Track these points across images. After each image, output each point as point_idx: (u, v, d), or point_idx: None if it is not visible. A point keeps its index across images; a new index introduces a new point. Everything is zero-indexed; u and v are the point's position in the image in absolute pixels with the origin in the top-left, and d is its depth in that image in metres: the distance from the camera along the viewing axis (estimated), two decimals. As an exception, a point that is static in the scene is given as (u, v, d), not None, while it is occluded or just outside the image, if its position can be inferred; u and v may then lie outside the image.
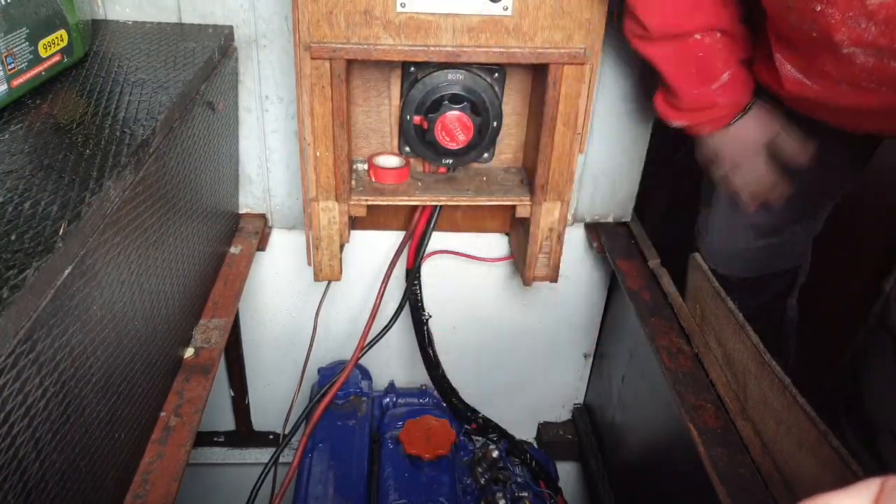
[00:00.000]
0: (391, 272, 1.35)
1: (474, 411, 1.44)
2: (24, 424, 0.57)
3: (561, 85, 1.02)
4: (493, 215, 1.34)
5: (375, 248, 1.40)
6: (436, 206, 1.23)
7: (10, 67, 0.78)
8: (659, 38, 0.96)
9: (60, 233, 0.59)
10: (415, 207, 1.26)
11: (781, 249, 1.24)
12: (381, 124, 1.17)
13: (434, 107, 1.07)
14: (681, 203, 1.50)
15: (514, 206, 1.16)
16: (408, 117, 1.09)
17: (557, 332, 1.56)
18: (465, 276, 1.45)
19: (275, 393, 1.55)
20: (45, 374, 0.59)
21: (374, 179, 1.16)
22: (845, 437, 0.98)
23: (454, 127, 1.06)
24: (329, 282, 1.38)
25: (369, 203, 1.13)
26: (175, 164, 0.89)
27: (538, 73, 1.09)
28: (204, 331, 1.06)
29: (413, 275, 1.33)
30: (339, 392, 1.35)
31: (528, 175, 1.17)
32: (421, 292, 1.36)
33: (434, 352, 1.40)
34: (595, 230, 1.39)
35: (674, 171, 1.62)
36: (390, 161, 1.17)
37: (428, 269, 1.39)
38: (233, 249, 1.25)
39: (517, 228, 1.29)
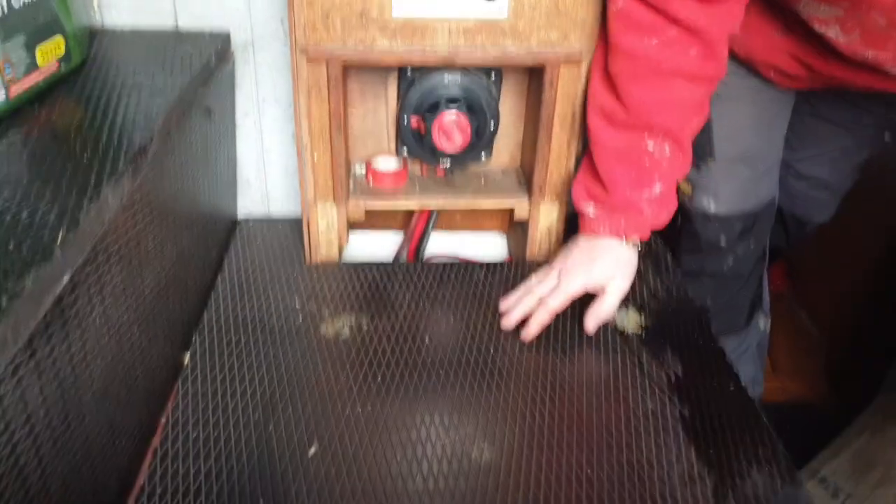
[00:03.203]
0: (391, 274, 1.35)
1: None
2: (25, 432, 0.57)
3: (558, 85, 1.02)
4: (491, 215, 1.34)
5: (374, 249, 1.40)
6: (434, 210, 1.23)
7: (7, 76, 0.79)
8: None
9: (58, 241, 0.59)
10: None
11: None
12: (379, 127, 1.17)
13: (431, 109, 1.07)
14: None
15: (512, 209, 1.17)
16: (405, 119, 1.09)
17: (558, 332, 1.56)
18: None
19: (276, 396, 1.55)
20: (45, 381, 0.59)
21: (371, 182, 1.17)
22: None
23: (451, 128, 1.06)
24: (329, 284, 1.38)
25: (367, 207, 1.13)
26: (173, 170, 0.90)
27: (534, 74, 1.09)
28: (204, 335, 1.06)
29: (413, 276, 1.33)
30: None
31: (526, 176, 1.17)
32: (421, 294, 1.36)
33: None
34: (594, 229, 1.39)
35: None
36: (388, 164, 1.17)
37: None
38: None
39: (515, 229, 1.29)
